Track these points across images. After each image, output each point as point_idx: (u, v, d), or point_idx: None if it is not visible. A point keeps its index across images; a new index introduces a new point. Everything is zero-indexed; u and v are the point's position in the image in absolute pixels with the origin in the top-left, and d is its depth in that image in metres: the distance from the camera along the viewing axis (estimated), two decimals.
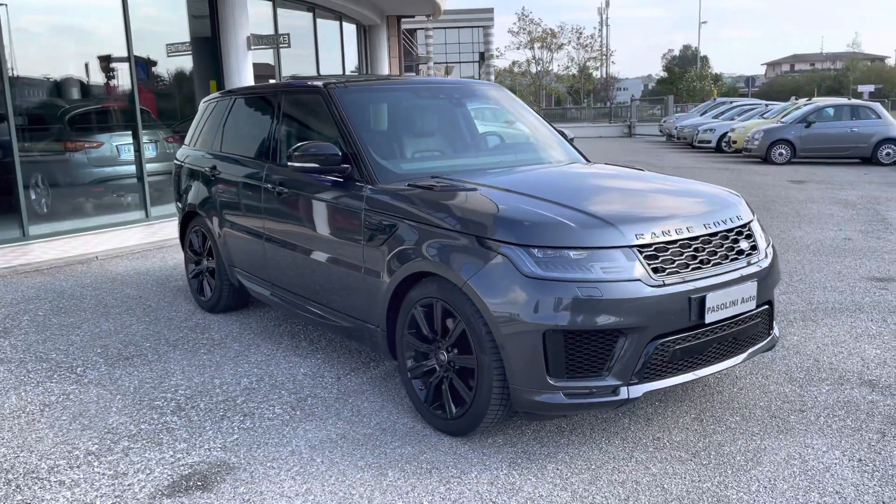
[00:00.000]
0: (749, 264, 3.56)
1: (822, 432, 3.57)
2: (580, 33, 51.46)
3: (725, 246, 3.51)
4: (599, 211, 3.39)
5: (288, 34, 10.91)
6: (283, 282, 4.74)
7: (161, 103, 10.86)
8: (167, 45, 10.76)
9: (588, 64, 50.78)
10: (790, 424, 3.65)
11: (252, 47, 10.77)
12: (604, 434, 3.59)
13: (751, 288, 3.51)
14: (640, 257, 3.22)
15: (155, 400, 4.09)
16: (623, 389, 3.19)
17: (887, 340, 4.85)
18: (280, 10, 12.11)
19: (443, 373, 3.57)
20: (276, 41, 10.98)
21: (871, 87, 52.02)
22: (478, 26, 64.32)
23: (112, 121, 10.12)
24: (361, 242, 3.95)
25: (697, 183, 4.14)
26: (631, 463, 3.31)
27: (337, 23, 14.57)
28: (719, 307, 3.35)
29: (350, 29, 15.35)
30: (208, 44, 10.83)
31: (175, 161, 6.30)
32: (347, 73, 15.19)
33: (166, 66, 10.94)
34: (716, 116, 25.57)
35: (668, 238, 3.31)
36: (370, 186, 3.95)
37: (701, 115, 27.45)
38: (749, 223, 3.74)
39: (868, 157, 17.73)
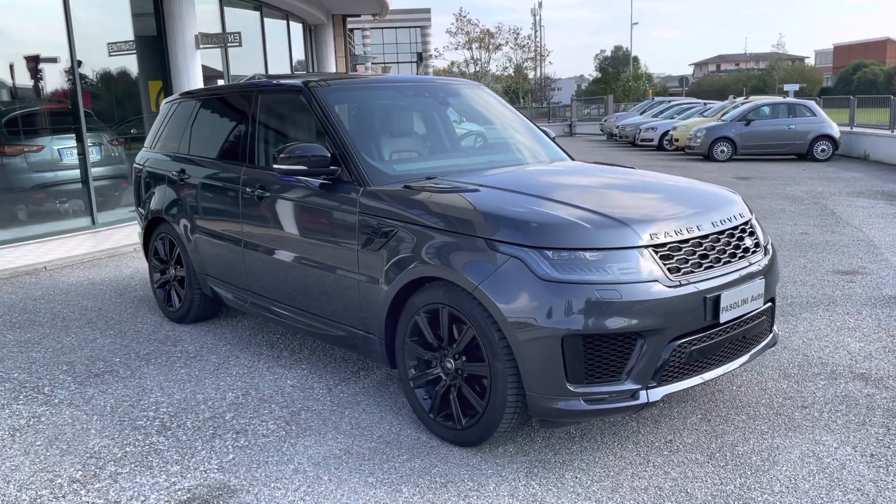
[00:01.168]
0: (755, 262, 3.54)
1: (828, 428, 3.57)
2: (517, 34, 51.65)
3: (732, 244, 3.47)
4: (611, 211, 3.31)
5: (239, 33, 10.57)
6: (265, 290, 4.52)
7: (104, 105, 10.38)
8: (108, 43, 10.28)
9: (526, 64, 51.13)
10: (796, 421, 3.65)
11: (201, 46, 10.39)
12: (615, 439, 3.51)
13: (759, 285, 3.49)
14: (656, 257, 3.15)
15: (136, 420, 3.84)
16: (642, 393, 3.12)
17: (867, 333, 4.93)
18: (227, 9, 11.74)
19: (450, 381, 3.44)
20: (226, 40, 10.62)
21: (796, 87, 53.77)
22: (415, 26, 64.21)
23: (53, 123, 9.61)
24: (356, 247, 3.78)
25: (695, 181, 4.11)
26: (649, 468, 3.24)
27: (284, 22, 14.23)
28: (732, 306, 3.31)
29: (296, 28, 15.02)
30: (154, 43, 10.41)
31: (135, 165, 5.98)
32: (295, 72, 14.86)
33: (108, 67, 10.47)
34: (655, 115, 26.05)
35: (680, 237, 3.26)
36: (363, 189, 3.78)
37: (640, 114, 27.93)
38: (750, 220, 3.72)
39: (804, 154, 18.28)
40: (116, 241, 8.69)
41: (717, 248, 3.38)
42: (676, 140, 20.95)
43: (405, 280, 3.51)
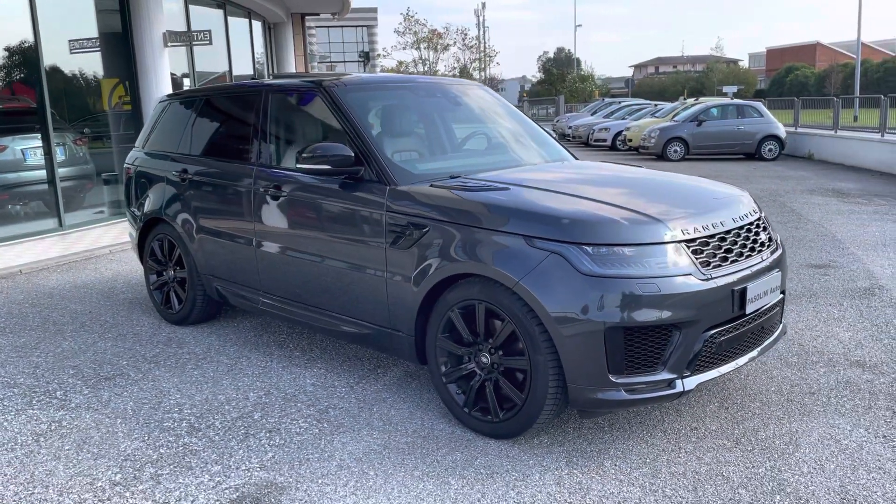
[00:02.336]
0: (770, 255, 3.71)
1: (839, 412, 3.77)
2: (465, 34, 51.99)
3: (750, 238, 3.64)
4: (641, 207, 3.44)
5: (209, 31, 10.40)
6: (280, 289, 4.52)
7: (66, 104, 10.10)
8: (70, 41, 10.02)
9: (475, 65, 51.49)
10: (808, 407, 3.84)
11: (169, 44, 10.21)
12: (643, 427, 3.64)
13: (777, 277, 3.67)
14: (689, 252, 3.28)
15: (163, 421, 3.80)
16: (678, 382, 3.25)
17: (852, 323, 5.19)
18: (192, 7, 11.55)
19: (485, 375, 3.52)
20: (196, 38, 10.44)
21: (735, 88, 55.71)
22: (361, 25, 63.91)
23: (16, 122, 9.32)
24: (383, 246, 3.82)
25: (706, 180, 4.27)
26: (682, 454, 3.38)
27: (247, 20, 14.06)
28: (756, 297, 3.48)
29: (257, 26, 14.86)
30: (119, 40, 10.18)
31: (126, 165, 5.87)
32: (255, 71, 14.71)
33: (70, 64, 10.19)
34: (607, 116, 26.57)
35: (707, 233, 3.40)
36: (390, 188, 3.83)
37: (592, 114, 28.44)
38: (761, 216, 3.89)
39: (752, 153, 18.93)
40: (89, 243, 8.48)
41: (739, 243, 3.54)
42: (630, 140, 21.41)
43: (439, 277, 3.57)
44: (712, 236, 3.42)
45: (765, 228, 3.84)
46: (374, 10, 63.06)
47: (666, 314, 3.16)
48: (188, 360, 4.71)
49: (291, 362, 4.62)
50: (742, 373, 4.28)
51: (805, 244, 7.92)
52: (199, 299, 5.19)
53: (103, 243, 8.49)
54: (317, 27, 56.27)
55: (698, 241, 3.35)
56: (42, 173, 9.20)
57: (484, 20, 70.99)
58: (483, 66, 52.47)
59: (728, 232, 3.51)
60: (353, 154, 3.93)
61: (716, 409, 3.83)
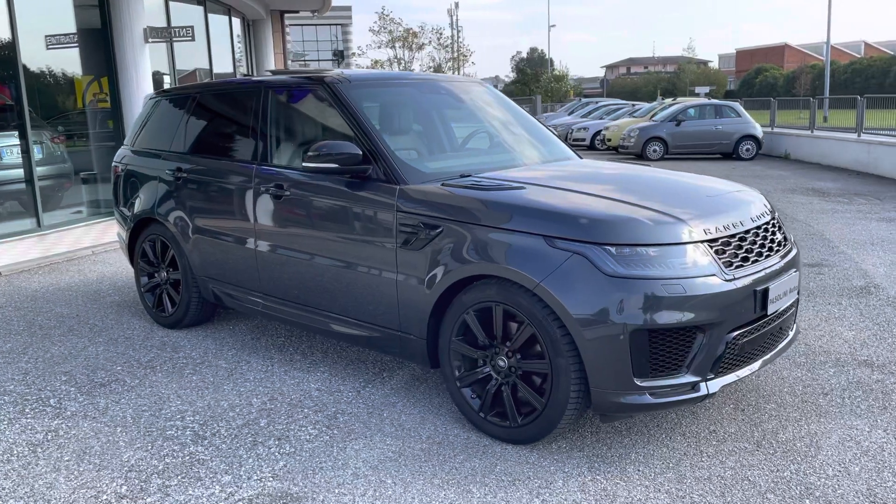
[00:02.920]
0: (787, 255, 3.67)
1: (854, 413, 3.74)
2: (440, 34, 51.91)
3: (768, 238, 3.59)
4: (662, 207, 3.37)
5: (192, 27, 10.19)
6: (281, 291, 4.38)
7: (45, 100, 9.83)
8: (46, 36, 9.75)
9: (450, 64, 51.35)
10: (823, 408, 3.80)
11: (150, 40, 9.98)
12: (661, 431, 3.58)
13: (795, 278, 3.63)
14: (712, 252, 3.22)
15: (165, 430, 3.66)
16: (702, 385, 3.19)
17: (854, 322, 5.19)
18: (172, 3, 11.32)
19: (502, 379, 3.43)
20: (178, 34, 10.22)
21: (707, 89, 56.44)
22: (336, 24, 63.46)
23: None
24: (393, 246, 3.72)
25: (718, 179, 4.22)
26: (704, 458, 3.32)
27: (226, 17, 13.83)
28: (776, 298, 3.43)
29: (236, 23, 14.62)
30: (98, 36, 9.93)
31: (115, 164, 5.69)
32: (235, 68, 14.47)
33: (47, 60, 9.92)
34: (584, 116, 26.63)
35: (729, 232, 3.35)
36: (400, 187, 3.72)
37: (569, 114, 28.51)
38: (775, 215, 3.85)
39: (730, 153, 19.09)
40: (70, 244, 8.25)
41: (758, 243, 3.49)
42: (609, 140, 21.47)
43: (453, 279, 3.47)
44: (733, 236, 3.37)
45: (780, 228, 3.80)
46: (349, 8, 62.68)
47: (691, 316, 3.09)
48: (185, 364, 4.56)
49: (293, 366, 4.49)
50: (754, 374, 4.23)
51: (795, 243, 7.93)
52: (194, 302, 5.04)
53: (84, 244, 8.27)
54: (290, 25, 55.79)
55: (720, 241, 3.29)
56: (20, 172, 8.93)
57: (457, 20, 71.08)
58: (458, 65, 52.36)
59: (747, 232, 3.46)
60: (360, 152, 3.82)
61: (731, 411, 3.78)
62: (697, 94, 50.12)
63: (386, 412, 3.83)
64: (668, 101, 22.55)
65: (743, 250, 3.38)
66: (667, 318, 3.07)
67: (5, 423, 3.78)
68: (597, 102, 28.75)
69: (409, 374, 4.32)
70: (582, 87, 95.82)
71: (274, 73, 4.69)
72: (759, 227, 3.55)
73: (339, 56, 63.28)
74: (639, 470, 3.22)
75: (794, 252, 3.77)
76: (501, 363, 3.41)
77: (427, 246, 3.58)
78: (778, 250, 3.62)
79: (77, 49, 9.99)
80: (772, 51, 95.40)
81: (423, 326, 3.66)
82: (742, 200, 3.72)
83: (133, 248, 5.49)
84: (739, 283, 3.24)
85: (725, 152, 19.14)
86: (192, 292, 5.01)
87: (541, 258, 3.20)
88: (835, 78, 58.52)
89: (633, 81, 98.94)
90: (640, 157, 19.03)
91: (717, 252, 3.25)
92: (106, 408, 3.94)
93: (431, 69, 51.27)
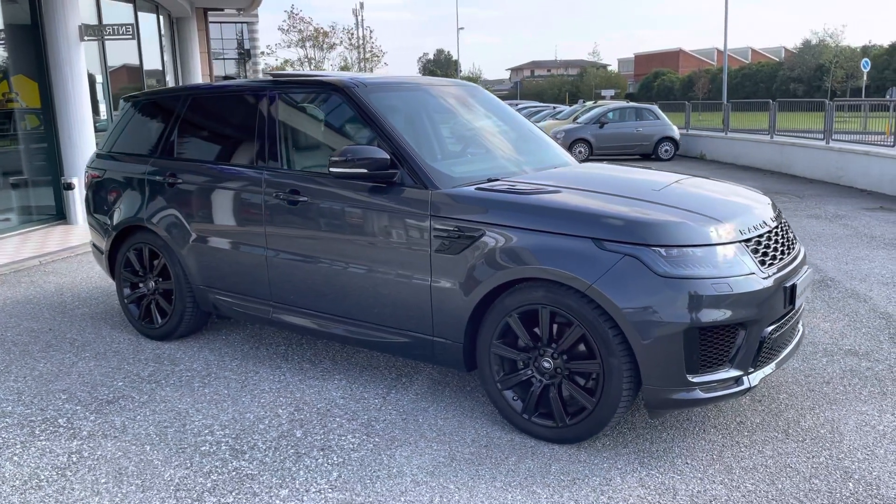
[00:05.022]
0: (800, 252, 3.88)
1: (859, 399, 3.99)
2: (352, 34, 51.52)
3: (784, 238, 3.79)
4: (697, 209, 3.50)
5: (132, 24, 9.76)
6: (296, 300, 4.29)
7: None
8: None
9: (362, 64, 51.00)
10: (829, 396, 4.04)
11: (85, 38, 9.49)
12: (692, 424, 3.72)
13: (811, 274, 3.84)
14: (749, 251, 3.38)
15: (199, 445, 3.53)
16: (745, 379, 3.34)
17: (826, 314, 5.52)
18: (103, 1, 10.81)
19: (547, 380, 3.48)
20: (117, 32, 9.75)
21: (612, 92, 58.42)
22: (241, 22, 61.84)
23: None
24: (427, 252, 3.71)
25: (731, 184, 4.37)
26: (742, 448, 3.47)
27: (154, 14, 13.30)
28: (800, 293, 3.63)
29: (164, 20, 14.09)
30: (27, 33, 9.37)
31: (91, 169, 5.41)
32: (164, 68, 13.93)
33: None
34: None
35: (758, 232, 3.52)
36: (433, 192, 3.72)
37: None
38: (783, 216, 4.07)
39: (649, 154, 19.83)
40: (10, 255, 7.77)
41: (779, 242, 3.68)
42: None
43: (496, 282, 3.50)
44: (761, 236, 3.54)
45: (790, 227, 4.01)
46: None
47: (737, 312, 3.23)
48: (191, 377, 4.40)
49: (307, 375, 4.40)
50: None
51: None
52: (189, 312, 4.85)
53: (27, 254, 7.80)
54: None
55: (752, 240, 3.45)
56: None
57: (363, 20, 70.72)
58: (370, 66, 52.10)
59: (770, 231, 3.64)
60: (388, 157, 3.79)
61: (750, 402, 3.97)
62: (604, 97, 51.77)
63: (421, 417, 3.81)
64: (590, 104, 23.20)
65: (771, 249, 3.55)
66: (716, 315, 3.19)
67: (18, 446, 3.55)
68: (516, 105, 29.23)
69: (429, 379, 4.31)
70: (492, 88, 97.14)
71: (275, 76, 4.56)
72: (776, 227, 3.74)
73: (246, 55, 61.72)
74: (687, 463, 3.34)
75: (803, 250, 3.99)
76: (547, 364, 3.47)
77: (466, 250, 3.59)
78: (792, 249, 3.82)
79: (2, 47, 9.40)
80: (668, 56, 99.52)
81: (461, 331, 3.67)
82: (758, 201, 3.91)
83: (114, 258, 5.23)
84: (773, 280, 3.40)
85: (646, 153, 19.87)
86: (187, 302, 4.82)
87: (591, 260, 3.27)
88: (727, 82, 61.68)
89: (539, 84, 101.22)
90: None
91: (752, 251, 3.40)
92: (124, 426, 3.76)
93: (348, 68, 50.84)
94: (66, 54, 9.30)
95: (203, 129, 4.86)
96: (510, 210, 3.52)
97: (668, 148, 19.75)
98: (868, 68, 34.92)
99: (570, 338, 3.37)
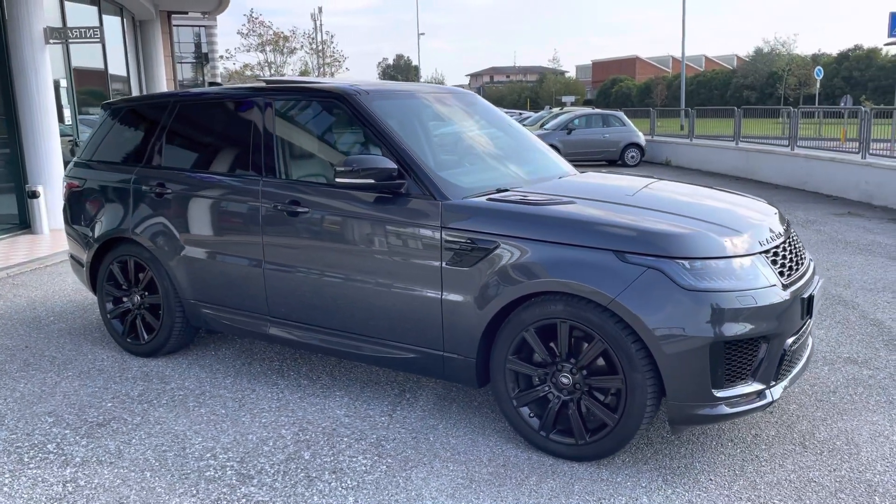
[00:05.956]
0: (810, 263, 3.86)
1: (868, 409, 3.99)
2: (312, 38, 51.05)
3: (795, 248, 3.77)
4: (718, 219, 3.45)
5: (99, 27, 9.43)
6: (295, 315, 4.13)
7: None
8: None
9: (323, 69, 50.56)
10: (838, 406, 4.03)
11: (50, 41, 9.16)
12: (708, 438, 3.66)
13: (822, 284, 3.82)
14: (769, 262, 3.34)
15: (203, 470, 3.35)
16: (767, 392, 3.29)
17: (818, 321, 5.53)
18: (67, 3, 10.46)
19: (566, 396, 3.39)
20: (85, 35, 9.41)
21: (573, 98, 59.08)
22: (199, 25, 60.91)
23: None
24: (438, 265, 3.59)
25: (738, 194, 4.34)
26: (762, 463, 3.42)
27: (119, 17, 12.93)
28: (816, 304, 3.60)
29: (128, 23, 13.72)
30: None
31: (70, 179, 5.16)
32: (129, 72, 13.55)
33: None
34: None
35: (774, 244, 3.48)
36: (444, 203, 3.61)
37: None
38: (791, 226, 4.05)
39: (616, 160, 19.99)
40: None
41: (793, 252, 3.66)
42: None
43: (513, 296, 3.40)
44: (777, 247, 3.50)
45: (797, 237, 3.99)
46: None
47: (760, 325, 3.18)
48: (184, 396, 4.21)
49: (306, 392, 4.24)
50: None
51: None
52: (178, 327, 4.65)
53: None
54: None
55: (772, 251, 3.41)
56: None
57: (321, 24, 70.13)
58: (331, 70, 51.70)
59: (784, 242, 3.61)
60: (395, 167, 3.67)
61: (761, 414, 3.93)
62: (564, 103, 52.26)
63: (431, 436, 3.69)
64: (556, 110, 23.31)
65: (787, 260, 3.52)
66: (741, 328, 3.14)
67: (7, 475, 3.33)
68: None
69: (434, 394, 4.19)
70: None
71: (269, 82, 4.40)
72: (787, 237, 3.71)
73: (204, 59, 60.74)
74: (710, 479, 3.28)
75: (813, 260, 3.97)
76: (565, 380, 3.37)
77: (479, 263, 3.49)
78: (803, 260, 3.79)
79: None
80: (625, 63, 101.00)
81: (474, 346, 3.57)
82: (770, 212, 3.88)
83: (96, 271, 5.00)
84: (792, 292, 3.37)
85: (612, 159, 20.02)
86: (176, 317, 4.62)
87: (613, 273, 3.19)
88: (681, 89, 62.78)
89: (499, 90, 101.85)
90: None
91: (772, 262, 3.36)
92: (119, 450, 3.56)
93: (309, 73, 50.37)
94: (31, 58, 8.97)
95: (193, 137, 4.68)
96: (526, 222, 3.42)
97: (634, 154, 19.93)
98: (821, 76, 35.78)
99: (591, 353, 3.29)
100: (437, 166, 3.90)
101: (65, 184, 5.23)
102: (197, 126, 4.68)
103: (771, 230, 3.57)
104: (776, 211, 3.99)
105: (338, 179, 3.67)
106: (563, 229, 3.34)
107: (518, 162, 4.51)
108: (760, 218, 3.69)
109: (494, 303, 3.45)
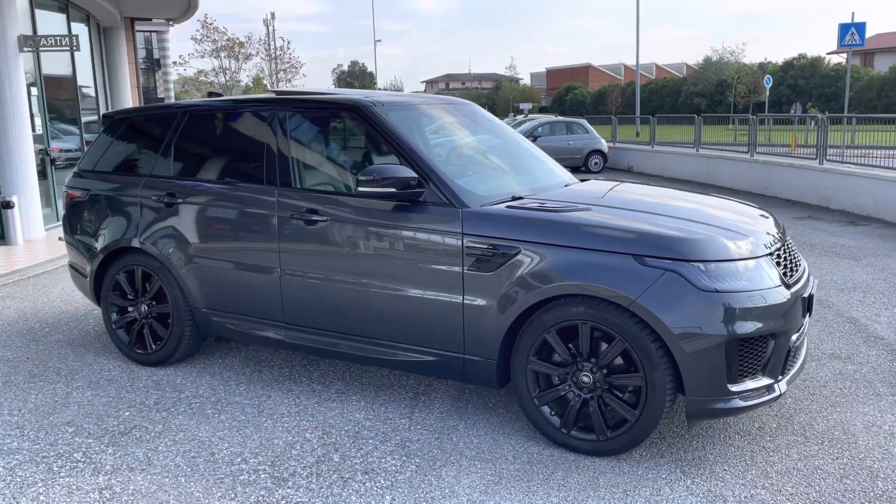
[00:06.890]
0: (805, 265, 4.10)
1: (858, 401, 4.24)
2: (269, 45, 50.67)
3: (791, 250, 4.00)
4: (726, 224, 3.66)
5: (77, 35, 9.32)
6: (313, 321, 4.21)
7: None
8: None
9: (279, 76, 50.21)
10: (830, 399, 4.27)
11: (24, 49, 9.04)
12: (714, 431, 3.86)
13: (816, 283, 4.06)
14: (773, 264, 3.55)
15: (237, 474, 3.42)
16: (776, 386, 3.50)
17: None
18: (37, 11, 10.31)
19: (586, 395, 3.55)
20: (61, 43, 9.30)
21: (530, 105, 59.64)
22: (151, 31, 60.05)
23: None
24: (459, 270, 3.73)
25: (737, 200, 4.55)
26: (770, 453, 3.63)
27: (86, 25, 12.76)
28: (813, 305, 3.83)
29: (94, 30, 13.53)
30: None
31: (71, 189, 5.15)
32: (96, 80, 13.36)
33: None
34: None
35: (775, 247, 3.70)
36: (464, 210, 3.74)
37: None
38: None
39: (580, 167, 20.35)
40: None
41: (789, 254, 3.88)
42: None
43: (535, 299, 3.55)
44: (778, 249, 3.72)
45: (791, 241, 4.23)
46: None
47: (769, 323, 3.39)
48: (201, 404, 4.25)
49: (321, 397, 4.33)
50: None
51: None
52: (187, 335, 4.69)
53: None
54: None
55: (775, 253, 3.63)
56: None
57: (274, 30, 69.67)
58: (287, 77, 51.36)
59: (782, 245, 3.84)
60: (415, 176, 3.80)
61: (761, 408, 4.13)
62: (522, 111, 52.79)
63: (454, 436, 3.81)
64: (520, 117, 23.62)
65: (787, 261, 3.74)
66: (753, 326, 3.34)
67: (40, 484, 3.36)
68: None
69: (448, 396, 4.31)
70: None
71: (278, 93, 4.49)
72: (783, 241, 3.94)
73: (156, 65, 59.92)
74: (725, 469, 3.47)
75: (806, 262, 4.21)
76: (586, 379, 3.53)
77: (501, 269, 3.63)
78: (799, 261, 4.03)
79: None
80: (578, 70, 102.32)
81: (495, 348, 3.70)
82: (767, 217, 4.11)
83: (100, 282, 5.00)
84: (795, 291, 3.59)
85: (576, 166, 20.35)
86: (186, 325, 4.66)
87: (633, 276, 3.36)
88: (634, 96, 64.14)
89: (456, 97, 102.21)
90: None
91: (776, 264, 3.58)
92: (148, 458, 3.60)
93: (264, 80, 49.93)
94: (4, 66, 8.84)
95: (205, 147, 4.72)
96: (547, 228, 3.58)
97: (597, 161, 20.33)
98: (770, 84, 36.88)
99: (612, 352, 3.45)
100: (454, 175, 4.04)
101: (66, 194, 5.21)
102: (208, 136, 4.73)
103: (772, 234, 3.79)
104: (769, 216, 4.22)
105: (360, 188, 3.77)
106: (584, 235, 3.51)
107: (524, 171, 4.67)
108: (761, 223, 3.91)
109: (516, 306, 3.59)
